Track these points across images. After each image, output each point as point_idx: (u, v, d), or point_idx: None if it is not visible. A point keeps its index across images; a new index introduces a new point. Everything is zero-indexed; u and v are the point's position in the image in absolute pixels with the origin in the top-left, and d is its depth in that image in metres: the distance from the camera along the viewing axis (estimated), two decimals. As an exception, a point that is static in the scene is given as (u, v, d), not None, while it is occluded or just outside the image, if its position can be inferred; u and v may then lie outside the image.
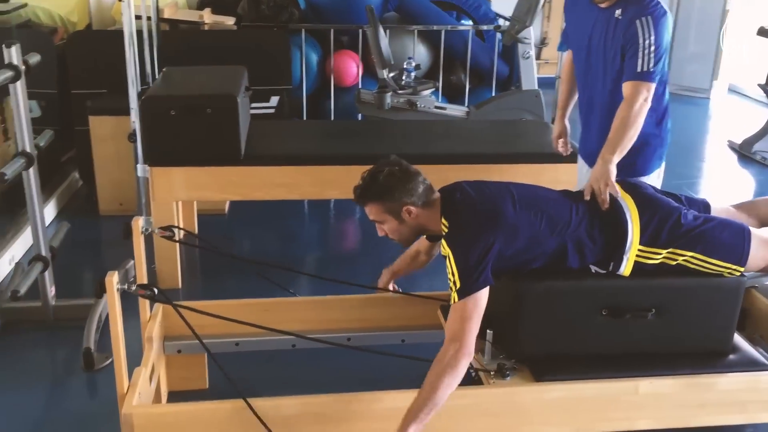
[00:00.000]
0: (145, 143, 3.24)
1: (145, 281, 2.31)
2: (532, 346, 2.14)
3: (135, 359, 2.18)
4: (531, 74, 4.79)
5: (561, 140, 2.99)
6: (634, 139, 2.43)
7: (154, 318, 2.36)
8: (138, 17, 3.92)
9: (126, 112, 3.53)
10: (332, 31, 4.98)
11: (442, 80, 5.17)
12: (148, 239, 3.31)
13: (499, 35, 5.04)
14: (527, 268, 2.12)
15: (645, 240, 2.11)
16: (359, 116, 4.86)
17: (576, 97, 2.88)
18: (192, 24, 4.73)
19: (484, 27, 5.21)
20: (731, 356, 2.19)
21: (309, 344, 2.43)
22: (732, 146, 5.72)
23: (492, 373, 2.09)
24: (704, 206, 2.34)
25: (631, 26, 2.41)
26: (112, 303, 1.90)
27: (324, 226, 4.42)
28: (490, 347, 2.16)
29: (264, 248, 3.98)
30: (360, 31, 4.92)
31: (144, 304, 2.32)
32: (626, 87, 2.44)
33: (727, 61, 7.38)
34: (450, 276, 2.04)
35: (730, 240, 2.14)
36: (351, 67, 5.14)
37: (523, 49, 4.72)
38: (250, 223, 4.19)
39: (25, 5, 4.59)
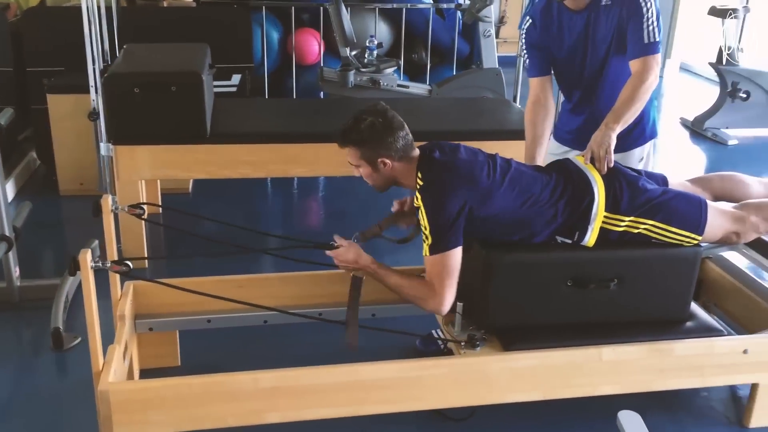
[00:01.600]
0: (108, 121, 3.20)
1: (114, 258, 2.31)
2: (501, 317, 2.21)
3: (106, 338, 2.18)
4: (492, 53, 4.86)
5: None
6: (638, 112, 2.43)
7: (125, 296, 2.36)
8: (95, -7, 3.85)
9: (85, 90, 3.47)
10: (293, 8, 4.96)
11: (403, 58, 5.20)
12: (114, 219, 3.31)
13: (459, 13, 5.08)
14: (496, 237, 2.19)
15: (608, 206, 2.19)
16: (321, 94, 4.86)
17: (545, 140, 2.79)
18: (150, 1, 4.66)
19: (445, 5, 5.25)
20: (688, 323, 2.29)
21: (281, 320, 2.46)
22: (684, 123, 5.89)
23: (462, 344, 2.16)
24: (662, 180, 2.42)
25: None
26: (86, 281, 1.90)
27: (288, 203, 4.43)
28: (461, 319, 2.22)
29: (228, 226, 3.96)
30: (321, 8, 4.90)
31: (115, 282, 2.31)
32: (636, 63, 2.41)
33: (679, 39, 7.57)
34: (423, 228, 2.12)
35: (688, 209, 2.24)
36: (312, 45, 5.13)
37: (484, 27, 4.77)
38: (214, 201, 4.17)
39: (-25, -19, 4.47)
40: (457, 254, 2.11)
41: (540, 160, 2.74)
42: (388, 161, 2.19)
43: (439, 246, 2.09)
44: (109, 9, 3.84)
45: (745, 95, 5.43)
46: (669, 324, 2.28)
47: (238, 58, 4.53)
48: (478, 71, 4.90)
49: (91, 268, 1.91)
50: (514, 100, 4.40)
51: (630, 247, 2.22)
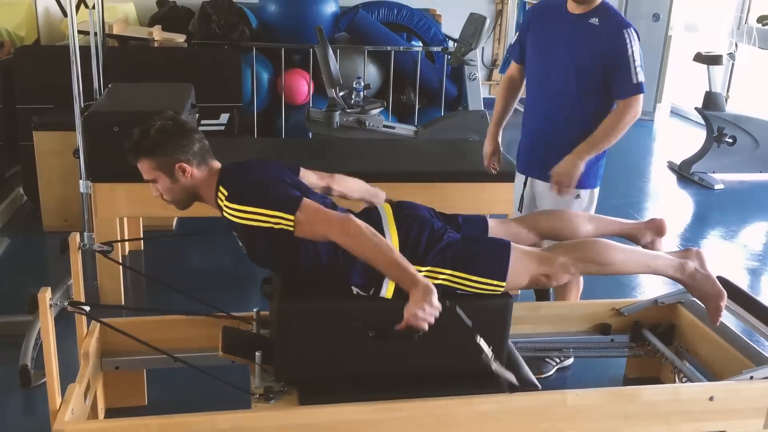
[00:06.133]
0: (87, 159, 3.23)
1: (82, 297, 2.31)
2: (296, 368, 2.08)
3: (73, 376, 2.18)
4: (477, 95, 4.91)
5: (494, 158, 2.93)
6: (610, 144, 2.52)
7: (90, 334, 2.35)
8: (87, 33, 3.92)
9: (72, 127, 3.51)
10: (283, 49, 5.04)
11: (392, 100, 5.26)
12: (93, 256, 3.32)
13: (447, 56, 5.16)
14: (299, 270, 2.08)
15: (406, 257, 2.00)
16: (310, 134, 4.91)
17: (509, 114, 2.90)
18: (141, 41, 4.74)
19: (433, 48, 5.33)
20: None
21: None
22: (671, 167, 5.92)
23: (257, 396, 2.03)
24: (482, 223, 2.33)
25: (620, 37, 2.45)
26: (45, 319, 1.90)
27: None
28: (260, 369, 2.10)
29: (209, 263, 3.98)
30: (311, 50, 4.98)
31: (81, 321, 2.31)
32: (623, 101, 2.50)
33: (669, 83, 7.64)
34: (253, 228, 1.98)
35: (487, 256, 2.11)
36: (302, 86, 5.20)
37: (469, 70, 4.83)
38: (197, 238, 4.17)
39: (-30, 19, 4.56)
40: (311, 203, 1.97)
41: (501, 129, 2.89)
42: (186, 167, 2.06)
43: (291, 208, 1.95)
44: (97, 48, 3.90)
45: (731, 140, 5.47)
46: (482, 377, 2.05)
47: (227, 97, 4.59)
48: (463, 113, 4.96)
49: (50, 306, 1.91)
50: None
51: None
